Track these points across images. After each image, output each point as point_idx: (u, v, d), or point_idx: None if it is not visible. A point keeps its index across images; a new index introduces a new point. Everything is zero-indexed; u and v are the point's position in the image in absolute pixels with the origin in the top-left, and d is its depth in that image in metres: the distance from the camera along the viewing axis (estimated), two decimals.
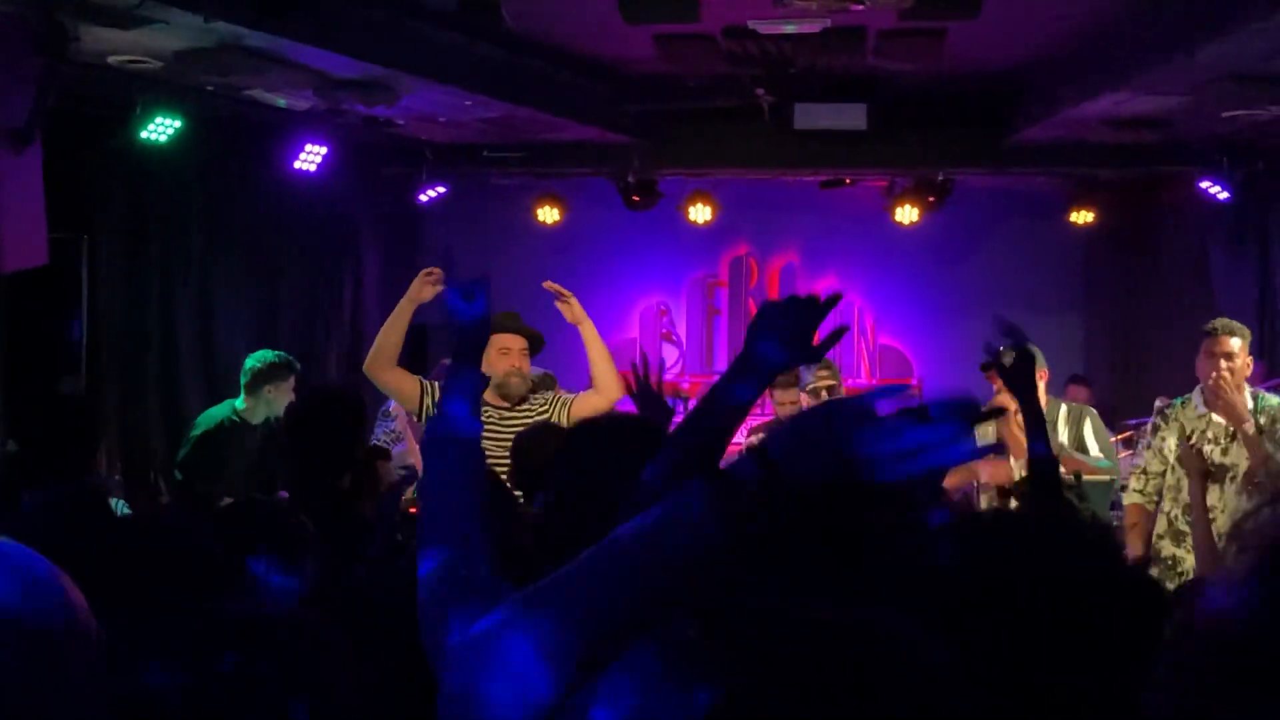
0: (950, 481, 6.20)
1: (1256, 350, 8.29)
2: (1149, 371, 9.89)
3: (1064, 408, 6.38)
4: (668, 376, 11.34)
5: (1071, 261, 11.04)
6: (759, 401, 6.97)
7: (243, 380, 6.65)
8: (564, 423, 5.03)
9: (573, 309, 5.42)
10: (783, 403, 7.36)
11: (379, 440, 7.65)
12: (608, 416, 3.52)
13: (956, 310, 10.79)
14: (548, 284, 5.48)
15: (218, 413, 6.62)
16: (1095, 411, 6.48)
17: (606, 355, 5.35)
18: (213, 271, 8.59)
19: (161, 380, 8.16)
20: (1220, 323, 6.05)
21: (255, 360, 6.71)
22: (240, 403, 6.65)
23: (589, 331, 5.38)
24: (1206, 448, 5.93)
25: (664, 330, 11.50)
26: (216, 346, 8.60)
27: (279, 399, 6.54)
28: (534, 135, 9.24)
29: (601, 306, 11.28)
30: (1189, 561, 5.96)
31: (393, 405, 7.64)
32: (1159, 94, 7.45)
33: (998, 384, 6.19)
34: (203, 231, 8.54)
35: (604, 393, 5.25)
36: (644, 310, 11.47)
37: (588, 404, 5.17)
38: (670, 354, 11.51)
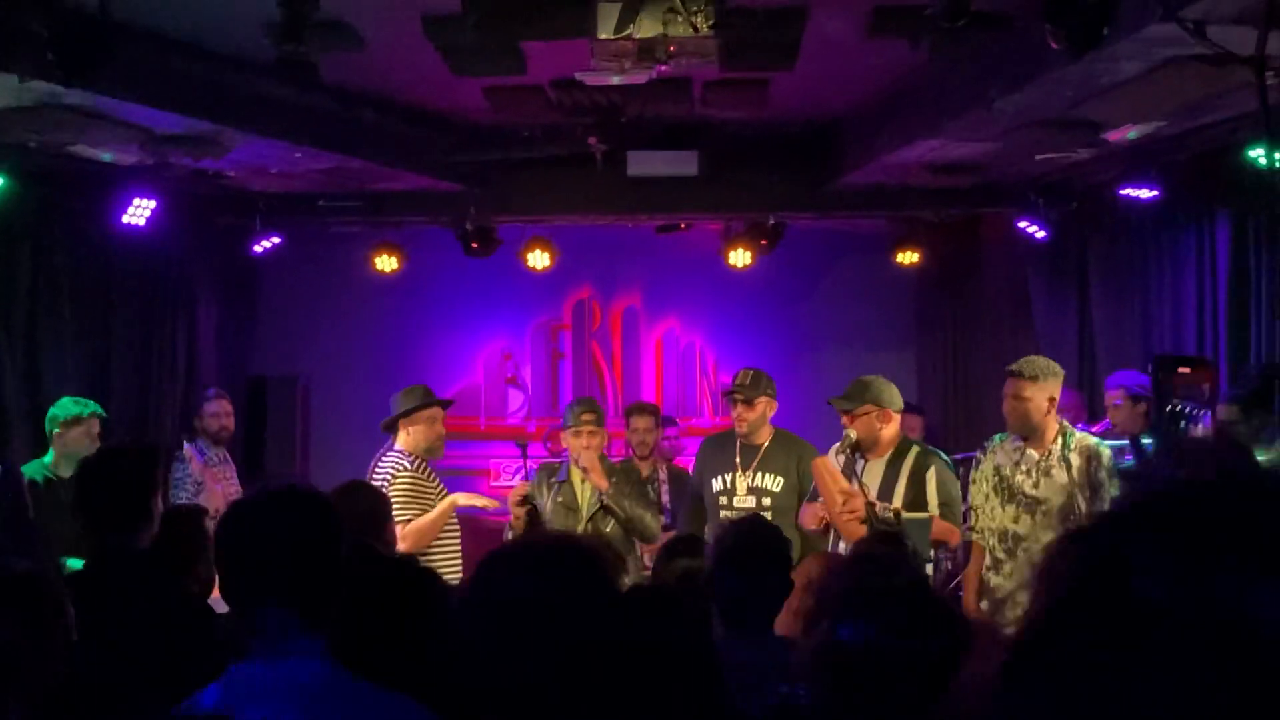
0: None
1: (1076, 382, 8.62)
2: (978, 403, 10.09)
3: (914, 453, 6.19)
4: (513, 420, 11.39)
5: (901, 299, 11.32)
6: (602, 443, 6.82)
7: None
8: None
9: None
10: (635, 429, 8.09)
11: (177, 486, 7.53)
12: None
13: (795, 348, 11.01)
14: None
15: (28, 470, 6.46)
16: (942, 459, 6.26)
17: None
18: (39, 330, 8.25)
19: None
20: (1020, 364, 6.24)
21: (51, 410, 6.61)
22: (49, 458, 6.53)
23: None
24: (1019, 479, 6.16)
25: (509, 375, 11.53)
26: (45, 407, 8.34)
27: (74, 447, 6.39)
28: (369, 184, 9.23)
29: (445, 353, 11.29)
30: (1006, 586, 6.18)
31: (186, 448, 7.53)
32: (970, 140, 7.68)
33: (846, 420, 6.30)
34: (28, 291, 8.22)
35: None
36: (487, 355, 11.49)
37: None
38: (515, 399, 11.54)
